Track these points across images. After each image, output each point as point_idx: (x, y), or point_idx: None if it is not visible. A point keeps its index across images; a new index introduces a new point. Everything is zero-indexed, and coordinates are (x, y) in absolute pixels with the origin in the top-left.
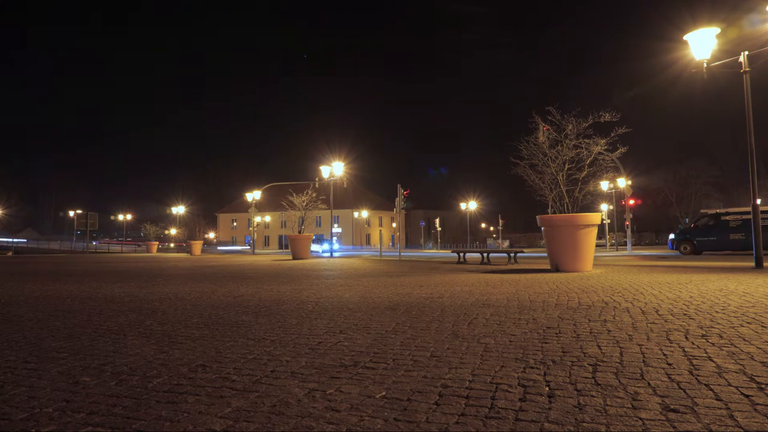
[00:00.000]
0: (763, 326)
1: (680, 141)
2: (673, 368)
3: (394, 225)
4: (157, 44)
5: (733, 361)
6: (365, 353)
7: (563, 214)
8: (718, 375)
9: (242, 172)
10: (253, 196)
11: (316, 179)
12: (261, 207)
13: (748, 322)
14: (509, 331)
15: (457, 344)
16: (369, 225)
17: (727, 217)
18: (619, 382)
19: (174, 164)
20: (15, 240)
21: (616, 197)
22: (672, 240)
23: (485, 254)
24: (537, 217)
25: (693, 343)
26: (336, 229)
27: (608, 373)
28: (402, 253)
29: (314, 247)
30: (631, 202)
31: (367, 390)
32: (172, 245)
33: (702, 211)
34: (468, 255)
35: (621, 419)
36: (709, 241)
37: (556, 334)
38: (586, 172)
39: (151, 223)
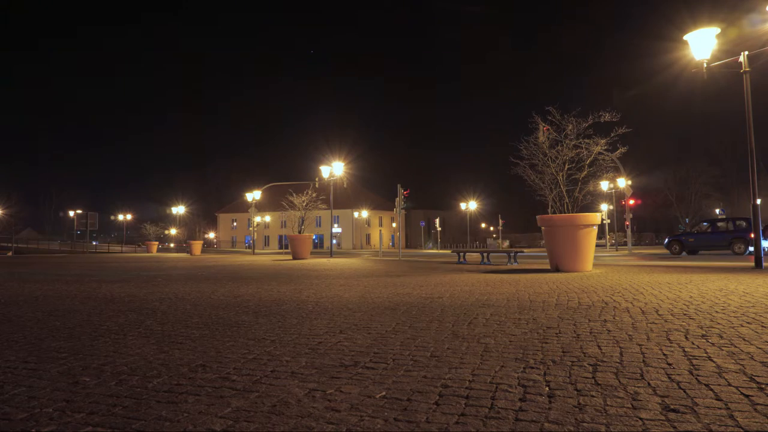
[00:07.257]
0: (763, 326)
1: (680, 141)
2: (673, 368)
3: (394, 225)
4: (157, 44)
5: (733, 361)
6: (365, 353)
7: (563, 214)
8: (718, 375)
9: (242, 172)
10: (253, 196)
11: (316, 179)
12: (261, 207)
13: (748, 322)
14: (509, 331)
15: (457, 344)
16: (369, 225)
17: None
18: (619, 382)
19: (174, 164)
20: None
21: (616, 197)
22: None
23: (485, 254)
24: (537, 217)
25: (693, 343)
26: (336, 229)
27: (608, 373)
28: (402, 251)
29: None
30: (632, 201)
31: (367, 390)
32: (172, 245)
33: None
34: (468, 255)
35: (621, 419)
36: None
37: (556, 334)
38: (586, 172)
39: (151, 223)
